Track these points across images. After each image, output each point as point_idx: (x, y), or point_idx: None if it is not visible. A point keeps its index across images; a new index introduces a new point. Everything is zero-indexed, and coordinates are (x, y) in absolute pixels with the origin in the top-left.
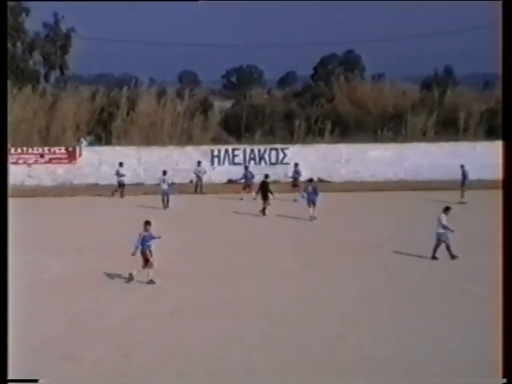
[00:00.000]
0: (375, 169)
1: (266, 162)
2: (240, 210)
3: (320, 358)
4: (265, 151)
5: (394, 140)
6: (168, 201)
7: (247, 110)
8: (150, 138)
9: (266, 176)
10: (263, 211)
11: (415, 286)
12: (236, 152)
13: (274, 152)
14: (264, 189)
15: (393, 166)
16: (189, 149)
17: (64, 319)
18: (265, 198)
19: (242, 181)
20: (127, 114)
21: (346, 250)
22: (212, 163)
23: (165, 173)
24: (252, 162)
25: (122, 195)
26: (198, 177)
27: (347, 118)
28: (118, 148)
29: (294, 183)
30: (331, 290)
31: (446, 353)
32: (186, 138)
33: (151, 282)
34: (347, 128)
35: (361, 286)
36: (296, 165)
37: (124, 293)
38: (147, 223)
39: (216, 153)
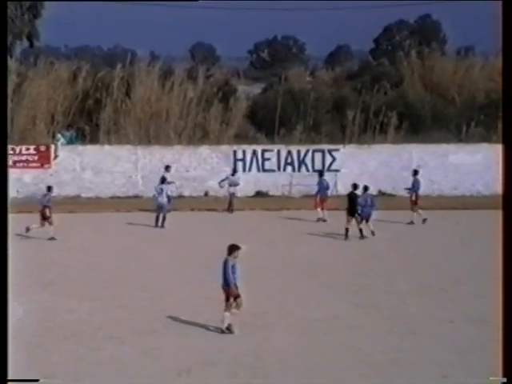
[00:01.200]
0: (459, 179)
1: (307, 169)
2: (277, 231)
3: None
4: (306, 154)
5: (486, 139)
6: (164, 218)
7: (283, 97)
8: (152, 134)
9: (355, 186)
10: (348, 232)
11: None
12: (267, 154)
13: (318, 155)
14: (352, 203)
15: (484, 174)
16: (203, 149)
17: None
18: (353, 213)
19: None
20: (120, 102)
21: (427, 293)
22: (235, 169)
23: (163, 180)
24: (289, 168)
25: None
26: (231, 189)
27: (420, 109)
28: (107, 148)
29: (413, 198)
30: (406, 351)
31: None
32: (199, 136)
33: (228, 330)
34: (420, 122)
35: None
36: (416, 172)
37: (108, 346)
38: (234, 248)
39: (240, 155)
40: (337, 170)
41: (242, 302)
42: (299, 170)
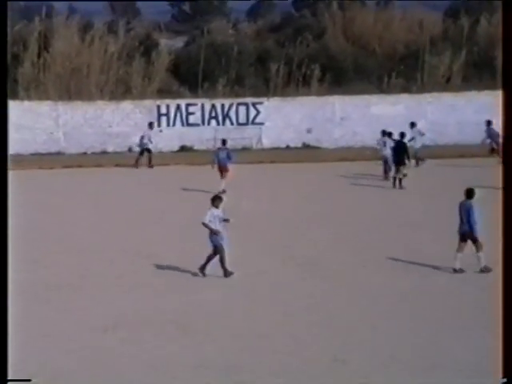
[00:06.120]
0: (381, 129)
1: (232, 122)
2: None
3: None
4: (230, 107)
5: (406, 90)
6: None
7: (206, 50)
8: (72, 89)
9: (402, 135)
10: (398, 181)
11: None
12: (191, 108)
13: (242, 108)
14: (401, 152)
15: (405, 125)
16: (126, 105)
17: None
18: (401, 163)
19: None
20: (38, 57)
21: None
22: (159, 124)
23: (390, 134)
24: (213, 122)
25: None
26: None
27: (342, 61)
28: (26, 103)
29: (493, 148)
30: None
31: None
32: (122, 90)
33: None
34: (342, 74)
35: None
36: (489, 123)
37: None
38: (473, 192)
39: (164, 110)
40: (261, 124)
41: (481, 244)
42: (223, 123)
